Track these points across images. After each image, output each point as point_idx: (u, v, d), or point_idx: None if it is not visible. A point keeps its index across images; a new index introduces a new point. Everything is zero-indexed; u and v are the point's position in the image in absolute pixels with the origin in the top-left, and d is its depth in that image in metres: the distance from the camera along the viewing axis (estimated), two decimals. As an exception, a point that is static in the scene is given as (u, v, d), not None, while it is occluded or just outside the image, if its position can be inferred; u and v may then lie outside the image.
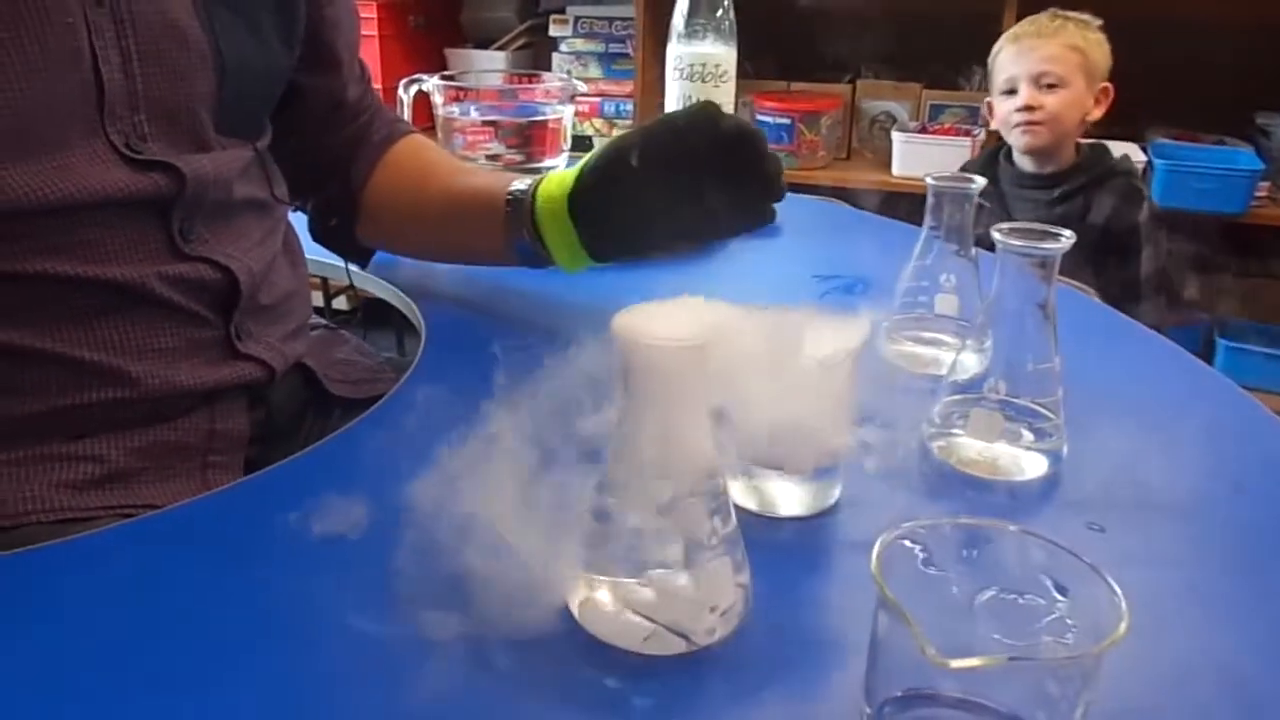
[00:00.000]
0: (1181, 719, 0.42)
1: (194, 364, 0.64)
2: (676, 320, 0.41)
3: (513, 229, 0.76)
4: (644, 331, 0.39)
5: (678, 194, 0.69)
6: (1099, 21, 1.74)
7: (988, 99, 1.84)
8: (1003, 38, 1.78)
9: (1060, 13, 1.74)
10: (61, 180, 0.57)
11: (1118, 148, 2.10)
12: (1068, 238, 0.56)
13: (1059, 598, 0.35)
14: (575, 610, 0.45)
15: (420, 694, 0.41)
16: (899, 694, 0.34)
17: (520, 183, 0.77)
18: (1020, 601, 0.40)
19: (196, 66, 0.64)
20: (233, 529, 0.53)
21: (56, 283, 0.58)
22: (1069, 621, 0.38)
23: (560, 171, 0.76)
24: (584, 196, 0.73)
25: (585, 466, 0.46)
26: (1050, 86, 1.70)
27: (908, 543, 0.36)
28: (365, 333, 1.28)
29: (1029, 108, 1.69)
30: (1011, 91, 1.74)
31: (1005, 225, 0.57)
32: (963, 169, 1.90)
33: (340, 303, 2.39)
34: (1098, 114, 1.76)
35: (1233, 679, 0.44)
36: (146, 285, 0.61)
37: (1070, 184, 1.70)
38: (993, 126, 1.86)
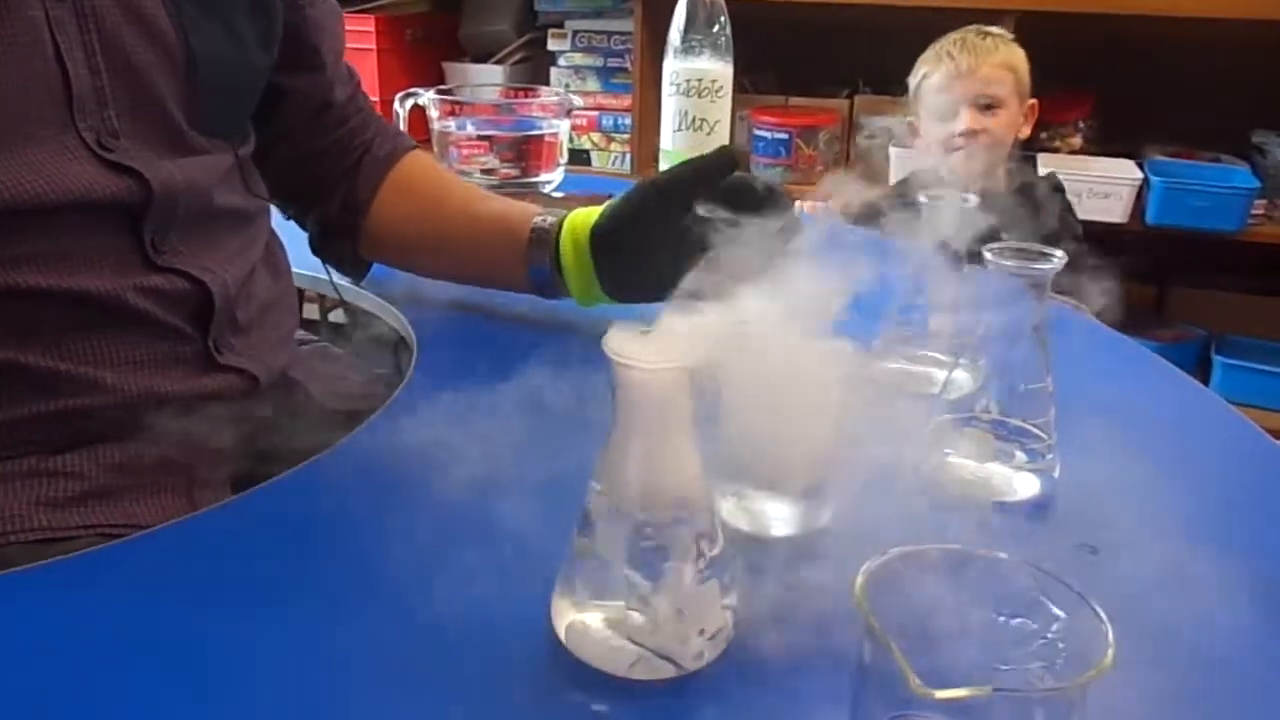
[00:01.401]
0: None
1: (172, 376, 0.64)
2: (667, 340, 0.40)
3: (534, 255, 0.77)
4: (631, 353, 0.39)
5: (692, 244, 0.69)
6: (1012, 36, 1.71)
7: (909, 119, 1.78)
8: (927, 58, 1.72)
9: (984, 29, 1.71)
10: (32, 176, 0.56)
11: (1115, 164, 2.11)
12: (1060, 258, 0.56)
13: (1049, 622, 0.35)
14: (561, 634, 0.44)
15: None
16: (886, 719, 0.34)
17: (548, 215, 0.78)
18: (1010, 625, 0.40)
19: (164, 62, 0.63)
20: (219, 549, 0.52)
21: (28, 296, 0.57)
22: (1060, 645, 0.38)
23: (590, 208, 0.77)
24: (605, 230, 0.74)
25: (572, 489, 0.45)
26: (989, 109, 1.66)
27: (898, 565, 0.35)
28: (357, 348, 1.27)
29: (972, 132, 1.65)
30: (946, 115, 1.69)
31: (997, 245, 0.57)
32: (897, 188, 1.86)
33: (337, 315, 2.38)
34: (1027, 132, 1.74)
35: (1227, 706, 0.44)
36: (121, 298, 0.61)
37: (1010, 200, 1.67)
38: (919, 146, 1.80)
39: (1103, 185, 2.01)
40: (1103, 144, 2.26)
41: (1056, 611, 0.35)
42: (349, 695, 0.42)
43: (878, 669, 0.33)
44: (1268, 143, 2.21)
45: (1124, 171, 2.07)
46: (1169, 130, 2.28)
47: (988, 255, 0.57)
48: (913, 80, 1.74)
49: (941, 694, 0.29)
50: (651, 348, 0.39)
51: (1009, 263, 0.56)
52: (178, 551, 0.52)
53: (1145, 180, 2.06)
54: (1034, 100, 1.71)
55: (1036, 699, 0.31)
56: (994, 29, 1.71)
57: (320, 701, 0.42)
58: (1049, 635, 0.38)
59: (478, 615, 0.47)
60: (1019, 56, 1.68)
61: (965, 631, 0.37)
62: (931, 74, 1.70)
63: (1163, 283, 2.39)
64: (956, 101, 1.67)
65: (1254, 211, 2.07)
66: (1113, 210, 2.01)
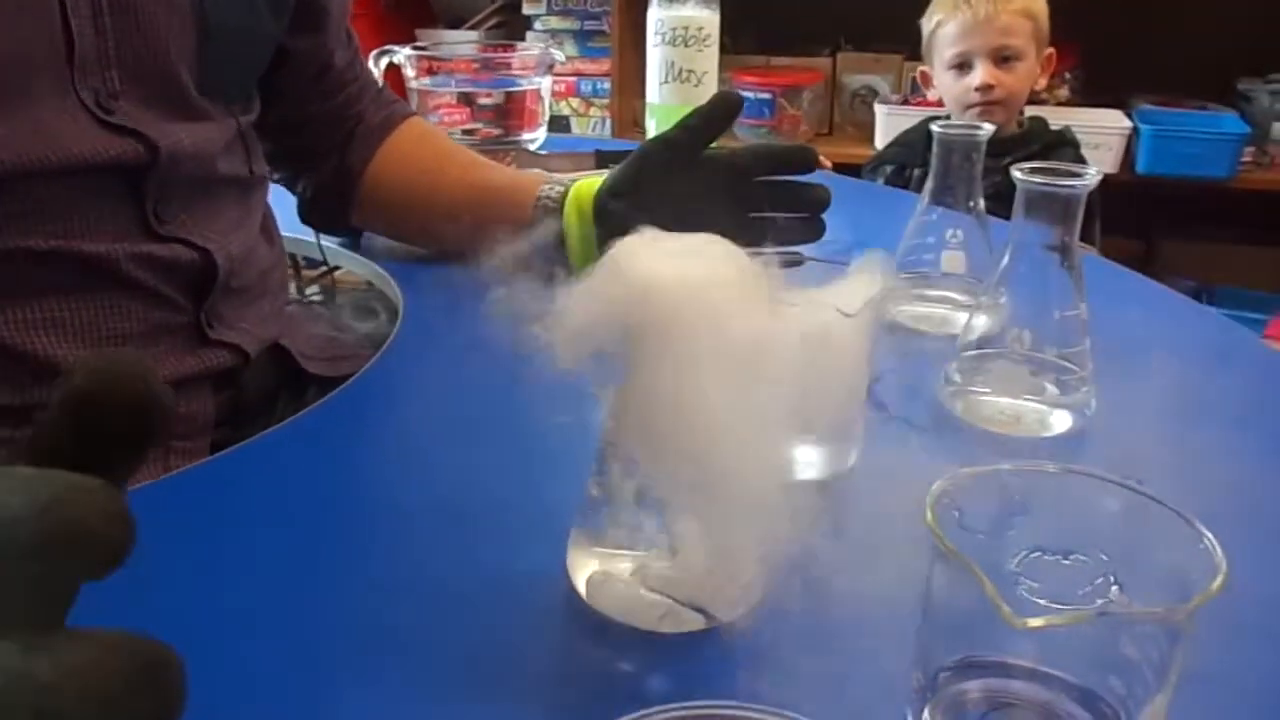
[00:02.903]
0: (1249, 686, 0.38)
1: (157, 353, 0.60)
2: (686, 253, 0.37)
3: (538, 219, 0.74)
4: (651, 266, 0.35)
5: (700, 205, 0.67)
6: None
7: (921, 68, 1.69)
8: (942, 4, 1.61)
9: None
10: (32, 139, 0.53)
11: (1102, 115, 2.08)
12: (1093, 174, 0.53)
13: (1136, 545, 0.31)
14: (582, 588, 0.41)
15: (414, 689, 0.37)
16: (956, 660, 0.30)
17: (555, 185, 0.76)
18: (1065, 562, 0.36)
19: (176, 25, 0.60)
20: (193, 513, 0.48)
21: (20, 258, 0.54)
22: (1120, 581, 0.35)
23: (597, 176, 0.74)
24: (610, 193, 0.71)
25: (580, 433, 0.42)
26: (1006, 60, 1.56)
27: (964, 487, 0.32)
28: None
29: (988, 86, 1.56)
30: (962, 66, 1.59)
31: (1026, 165, 0.54)
32: (900, 139, 1.77)
33: (314, 292, 2.34)
34: (1044, 83, 1.66)
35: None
36: (118, 263, 0.57)
37: (1022, 151, 1.57)
38: (931, 97, 1.71)
39: (1093, 136, 1.98)
40: (1090, 94, 2.23)
41: (1142, 533, 0.31)
42: (350, 662, 0.38)
43: (952, 601, 0.29)
44: (1253, 90, 2.19)
45: (1113, 121, 2.04)
46: (1154, 80, 2.26)
47: (1016, 175, 0.53)
48: (925, 25, 1.64)
49: (1036, 622, 0.25)
50: (671, 258, 0.35)
51: (1039, 180, 0.53)
52: (147, 513, 0.48)
53: (1134, 129, 2.04)
54: (1051, 49, 1.61)
55: (1140, 626, 0.28)
56: None
57: (319, 668, 0.38)
58: (1106, 570, 0.35)
59: (484, 572, 0.43)
60: (1039, 1, 1.58)
61: (1017, 567, 0.33)
62: (946, 22, 1.60)
63: (1152, 234, 2.37)
64: (971, 53, 1.57)
65: (1243, 159, 2.05)
66: (1103, 160, 1.98)
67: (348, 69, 0.81)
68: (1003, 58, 1.57)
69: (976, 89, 1.57)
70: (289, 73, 0.76)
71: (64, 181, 0.55)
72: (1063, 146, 1.63)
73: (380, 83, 1.12)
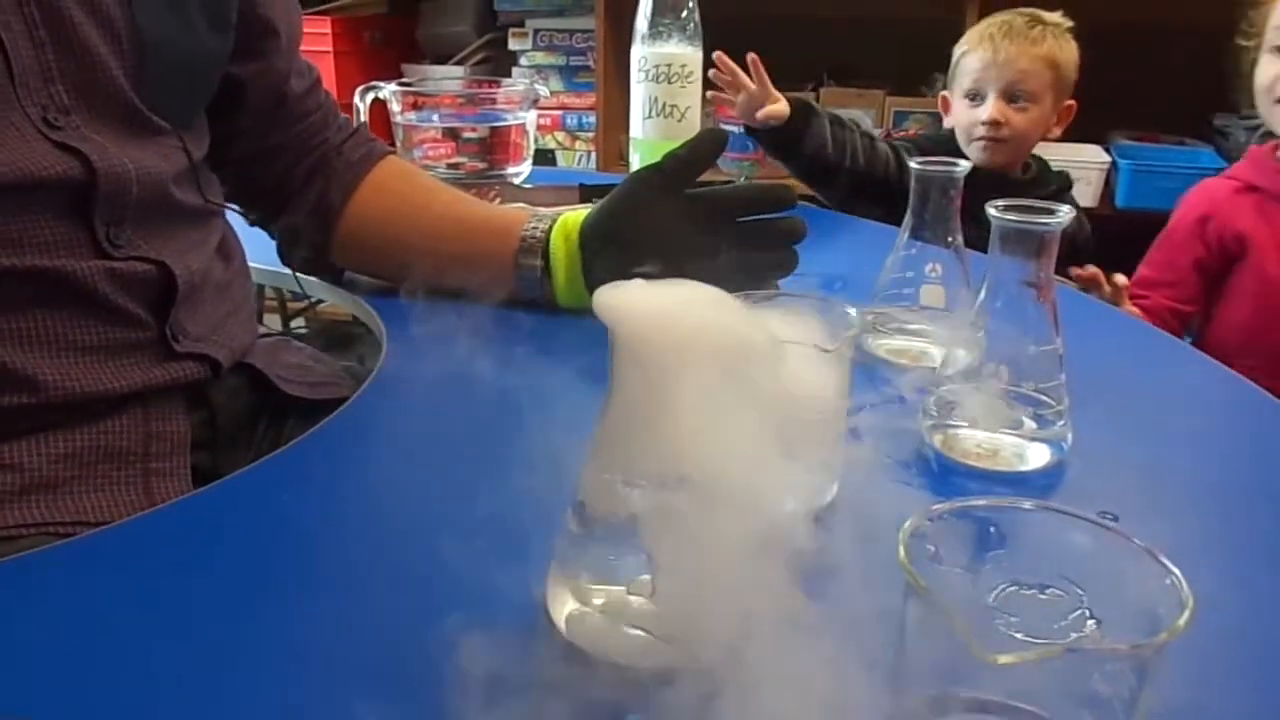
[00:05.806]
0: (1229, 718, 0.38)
1: (122, 365, 0.60)
2: (667, 296, 0.37)
3: (523, 259, 0.76)
4: (630, 305, 0.35)
5: (682, 236, 0.69)
6: (1070, 24, 1.60)
7: (944, 92, 1.70)
8: (972, 34, 1.62)
9: (1037, 14, 1.59)
10: None
11: (1082, 150, 2.11)
12: (1065, 212, 0.54)
13: (1105, 580, 0.32)
14: (561, 624, 0.41)
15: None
16: (930, 696, 0.30)
17: (543, 220, 0.77)
18: (1041, 597, 0.37)
19: (111, 40, 0.60)
20: (183, 548, 0.48)
21: None
22: (1096, 615, 0.35)
23: (584, 209, 0.77)
24: (598, 219, 0.73)
25: (561, 468, 0.42)
26: (1017, 99, 1.57)
27: (939, 524, 0.32)
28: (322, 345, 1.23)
29: (995, 123, 1.56)
30: (976, 97, 1.60)
31: (1000, 202, 0.55)
32: (927, 136, 1.78)
33: (296, 323, 2.34)
34: (1057, 133, 1.66)
35: (1267, 667, 0.41)
36: (74, 276, 0.57)
37: (1037, 193, 1.56)
38: (947, 124, 1.70)
39: (1073, 170, 2.00)
40: (1068, 130, 2.26)
41: (1115, 568, 0.31)
42: (327, 695, 0.38)
43: (924, 636, 0.29)
44: (1229, 125, 2.22)
45: (1092, 156, 2.07)
46: (1131, 115, 2.29)
47: (991, 212, 0.54)
48: (956, 52, 1.65)
49: (1006, 658, 0.26)
50: (651, 300, 0.36)
51: (1013, 218, 0.53)
52: (135, 551, 0.48)
53: (1113, 164, 2.06)
54: (1072, 102, 1.62)
55: (1110, 662, 0.28)
56: (1050, 15, 1.59)
57: (297, 699, 0.38)
58: (1083, 604, 0.35)
59: (464, 608, 0.43)
60: (1066, 52, 1.58)
61: (993, 601, 0.34)
62: (970, 53, 1.61)
63: (1131, 267, 2.40)
64: (984, 86, 1.58)
65: (1221, 194, 2.08)
66: (1083, 195, 2.01)
67: (307, 97, 0.81)
68: (1014, 96, 1.57)
69: (984, 122, 1.57)
70: (246, 104, 0.76)
71: (15, 197, 0.55)
72: (1067, 191, 1.65)
73: (363, 120, 1.14)
